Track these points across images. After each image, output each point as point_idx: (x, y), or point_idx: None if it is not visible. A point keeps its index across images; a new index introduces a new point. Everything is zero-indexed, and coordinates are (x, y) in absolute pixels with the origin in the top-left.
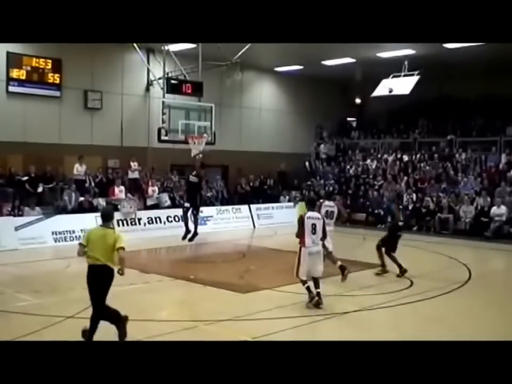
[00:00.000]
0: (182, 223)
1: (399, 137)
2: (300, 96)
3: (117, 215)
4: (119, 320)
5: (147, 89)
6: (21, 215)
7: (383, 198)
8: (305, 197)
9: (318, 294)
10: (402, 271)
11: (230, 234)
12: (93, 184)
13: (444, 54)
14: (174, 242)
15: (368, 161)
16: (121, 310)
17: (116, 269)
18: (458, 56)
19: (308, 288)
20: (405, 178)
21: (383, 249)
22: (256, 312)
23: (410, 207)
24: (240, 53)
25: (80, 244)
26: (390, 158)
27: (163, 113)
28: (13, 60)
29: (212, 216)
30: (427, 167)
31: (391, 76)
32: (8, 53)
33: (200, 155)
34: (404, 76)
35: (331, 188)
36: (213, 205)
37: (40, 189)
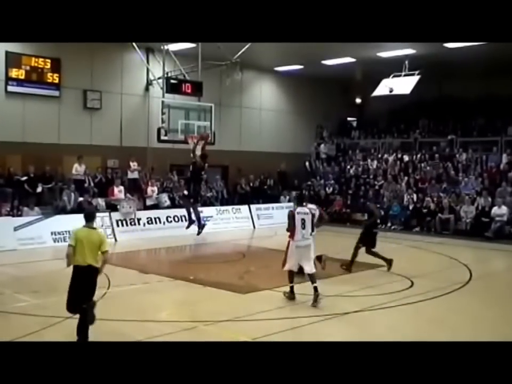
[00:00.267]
0: (181, 223)
1: (400, 137)
2: (300, 96)
3: (116, 215)
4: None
5: (146, 89)
6: (20, 215)
7: (383, 198)
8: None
9: (315, 288)
10: (348, 268)
11: (229, 235)
12: (92, 184)
13: (445, 53)
14: (174, 243)
15: (369, 161)
16: (121, 311)
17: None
18: (459, 56)
19: (292, 288)
20: (406, 178)
21: (364, 248)
22: (256, 313)
23: (410, 207)
24: (240, 53)
25: (69, 246)
26: (391, 158)
27: (163, 113)
28: (12, 60)
29: (211, 217)
30: (428, 167)
31: (392, 75)
32: (7, 52)
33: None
34: (405, 75)
35: (304, 191)
36: (213, 205)
37: (39, 189)
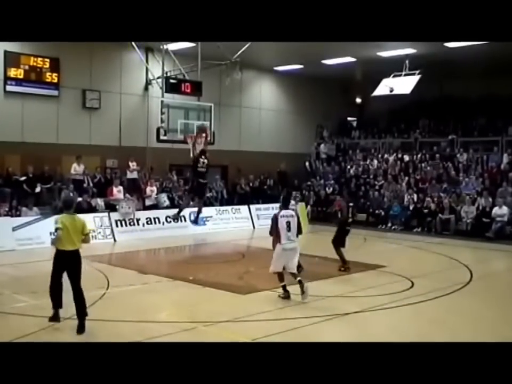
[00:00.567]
0: (180, 224)
1: (400, 137)
2: (300, 96)
3: (115, 216)
4: (84, 313)
5: (146, 88)
6: (19, 216)
7: (383, 198)
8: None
9: (300, 281)
10: (346, 267)
11: (229, 235)
12: (91, 184)
13: (445, 53)
14: (173, 243)
15: (369, 161)
16: (120, 311)
17: None
18: (460, 55)
19: (284, 287)
20: (406, 178)
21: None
22: (255, 313)
23: (411, 208)
24: (239, 52)
25: (60, 229)
26: (391, 158)
27: (162, 113)
28: (11, 59)
29: (211, 217)
30: (428, 167)
31: (392, 75)
32: (5, 52)
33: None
34: (405, 75)
35: (292, 192)
36: (212, 205)
37: (38, 189)
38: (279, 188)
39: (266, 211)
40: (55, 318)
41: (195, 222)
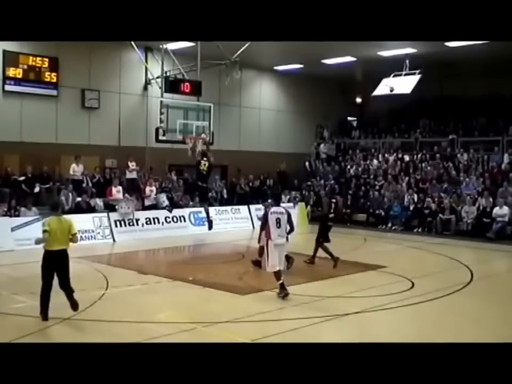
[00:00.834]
0: (180, 224)
1: (400, 137)
2: (300, 96)
3: (114, 216)
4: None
5: (145, 88)
6: (17, 216)
7: (384, 199)
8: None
9: (282, 285)
10: (312, 261)
11: (229, 235)
12: (90, 184)
13: (446, 52)
14: (172, 243)
15: (369, 161)
16: (119, 312)
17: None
18: (460, 55)
19: (282, 284)
20: (406, 178)
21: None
22: (255, 314)
23: (411, 208)
24: (239, 52)
25: (46, 231)
26: (391, 158)
27: (161, 113)
28: (9, 58)
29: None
30: (428, 167)
31: (392, 74)
32: (4, 51)
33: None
34: (405, 74)
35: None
36: (212, 205)
37: (36, 189)
38: (279, 188)
39: None
40: (44, 318)
41: (209, 227)
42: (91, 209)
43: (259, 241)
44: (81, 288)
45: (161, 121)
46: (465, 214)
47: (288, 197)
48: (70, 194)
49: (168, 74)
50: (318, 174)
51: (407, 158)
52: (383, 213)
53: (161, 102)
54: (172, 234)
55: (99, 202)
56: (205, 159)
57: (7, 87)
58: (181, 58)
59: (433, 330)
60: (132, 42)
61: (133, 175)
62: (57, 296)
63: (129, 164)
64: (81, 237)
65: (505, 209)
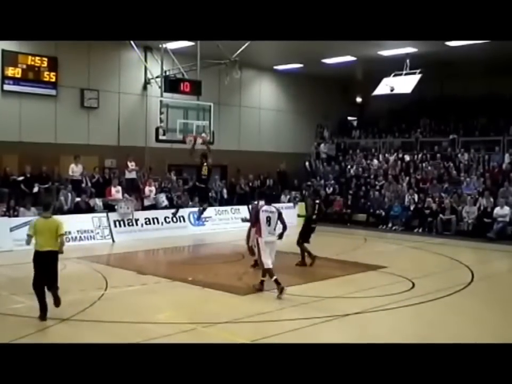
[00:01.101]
0: (179, 224)
1: (401, 137)
2: (300, 95)
3: (114, 216)
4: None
5: (144, 87)
6: (16, 216)
7: (384, 199)
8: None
9: (262, 282)
10: (302, 262)
11: (228, 235)
12: (89, 184)
13: (446, 52)
14: (172, 244)
15: (369, 161)
16: (118, 312)
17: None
18: (461, 54)
19: (276, 280)
20: (407, 178)
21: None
22: (255, 314)
23: (412, 208)
24: (239, 51)
25: (28, 235)
26: (392, 158)
27: (161, 112)
28: (8, 58)
29: (210, 217)
30: (429, 167)
31: (393, 74)
32: (3, 50)
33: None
34: (406, 74)
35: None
36: (212, 205)
37: (35, 189)
38: (279, 188)
39: None
40: (42, 317)
41: (198, 218)
42: (90, 210)
43: (247, 242)
44: (81, 288)
45: (161, 121)
46: (465, 214)
47: (288, 197)
48: (69, 194)
49: (167, 73)
50: (318, 174)
51: (407, 158)
52: (383, 213)
53: (161, 101)
54: (172, 235)
55: (98, 202)
56: (205, 164)
57: (6, 87)
58: (181, 57)
59: (433, 330)
60: (131, 42)
61: (132, 175)
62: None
63: (129, 163)
64: (80, 237)
65: (506, 209)
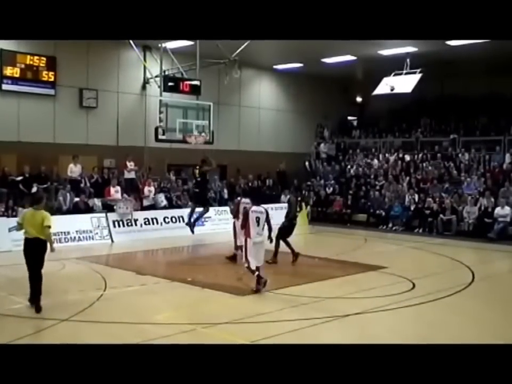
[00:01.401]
0: (179, 224)
1: (401, 137)
2: (300, 95)
3: (113, 216)
4: (39, 294)
5: (144, 87)
6: (15, 216)
7: (384, 199)
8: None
9: (259, 276)
10: (295, 254)
11: (228, 236)
12: (88, 184)
13: (447, 51)
14: (171, 244)
15: (369, 161)
16: (117, 313)
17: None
18: (462, 54)
19: (259, 276)
20: (407, 178)
21: (280, 237)
22: (255, 315)
23: (412, 208)
24: (238, 51)
25: (17, 223)
26: (392, 158)
27: (160, 112)
28: (7, 57)
29: (210, 217)
30: (429, 167)
31: (393, 73)
32: (1, 50)
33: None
34: (406, 74)
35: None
36: (211, 205)
37: (34, 189)
38: (279, 188)
39: None
40: (36, 309)
41: (188, 223)
42: (89, 210)
43: (236, 248)
44: (80, 289)
45: (160, 121)
46: (466, 214)
47: (288, 197)
48: (68, 194)
49: (167, 73)
50: (318, 174)
51: (407, 157)
52: (383, 213)
53: (160, 101)
54: (171, 235)
55: (97, 202)
56: (197, 167)
57: (5, 86)
58: (180, 57)
59: (434, 331)
60: (130, 41)
61: (132, 175)
62: (54, 297)
63: (128, 163)
64: (79, 237)
65: (507, 210)
